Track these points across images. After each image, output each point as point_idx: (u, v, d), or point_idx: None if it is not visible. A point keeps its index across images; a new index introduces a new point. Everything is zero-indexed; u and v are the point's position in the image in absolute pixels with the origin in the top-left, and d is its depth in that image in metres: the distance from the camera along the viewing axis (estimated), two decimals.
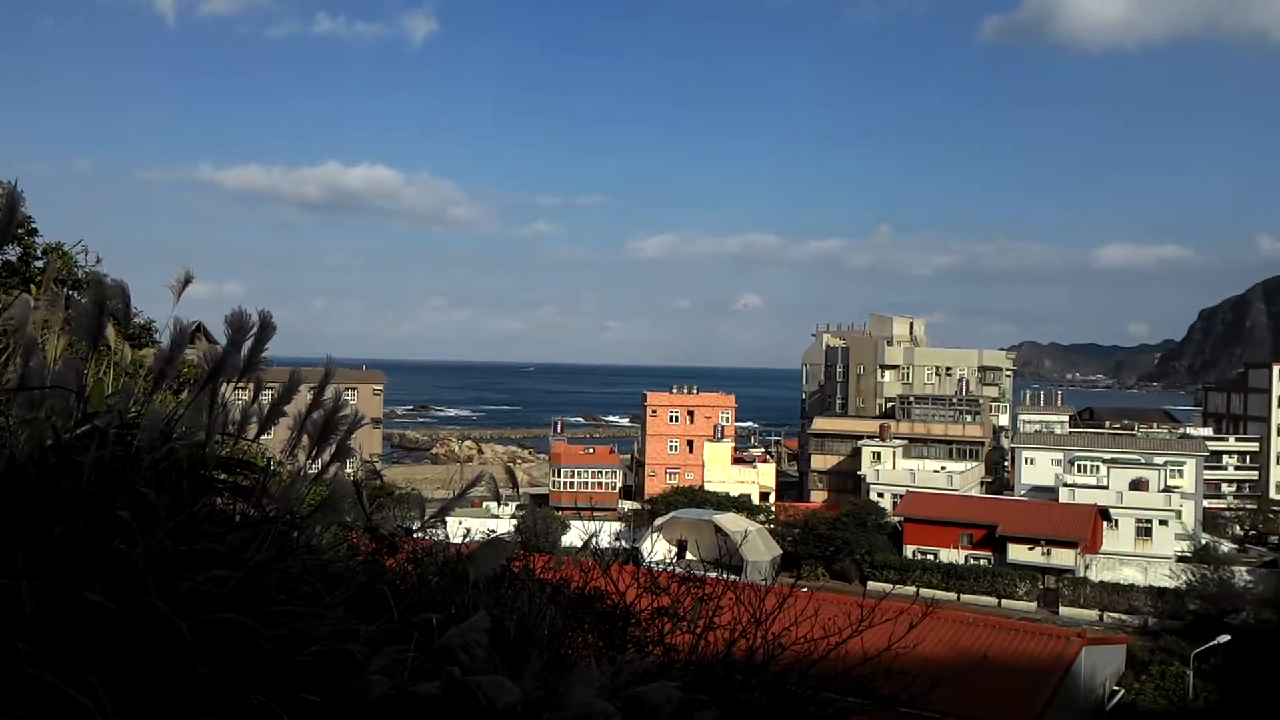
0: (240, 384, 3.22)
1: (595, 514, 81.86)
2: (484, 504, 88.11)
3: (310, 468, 3.28)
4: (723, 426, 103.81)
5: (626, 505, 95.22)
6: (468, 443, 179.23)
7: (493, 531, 5.32)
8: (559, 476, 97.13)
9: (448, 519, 4.28)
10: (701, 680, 4.71)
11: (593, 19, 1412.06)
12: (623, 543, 67.99)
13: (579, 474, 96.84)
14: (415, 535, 4.16)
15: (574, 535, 58.37)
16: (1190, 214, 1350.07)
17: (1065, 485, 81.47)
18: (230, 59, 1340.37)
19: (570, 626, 4.46)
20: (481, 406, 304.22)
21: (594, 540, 7.03)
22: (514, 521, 66.74)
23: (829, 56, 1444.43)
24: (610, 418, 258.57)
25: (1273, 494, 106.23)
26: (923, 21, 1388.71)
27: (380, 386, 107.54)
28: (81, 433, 2.75)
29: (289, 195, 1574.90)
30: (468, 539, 4.40)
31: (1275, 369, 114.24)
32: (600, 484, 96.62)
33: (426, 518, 3.98)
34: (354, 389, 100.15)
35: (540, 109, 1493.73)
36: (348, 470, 3.51)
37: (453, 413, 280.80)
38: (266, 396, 3.36)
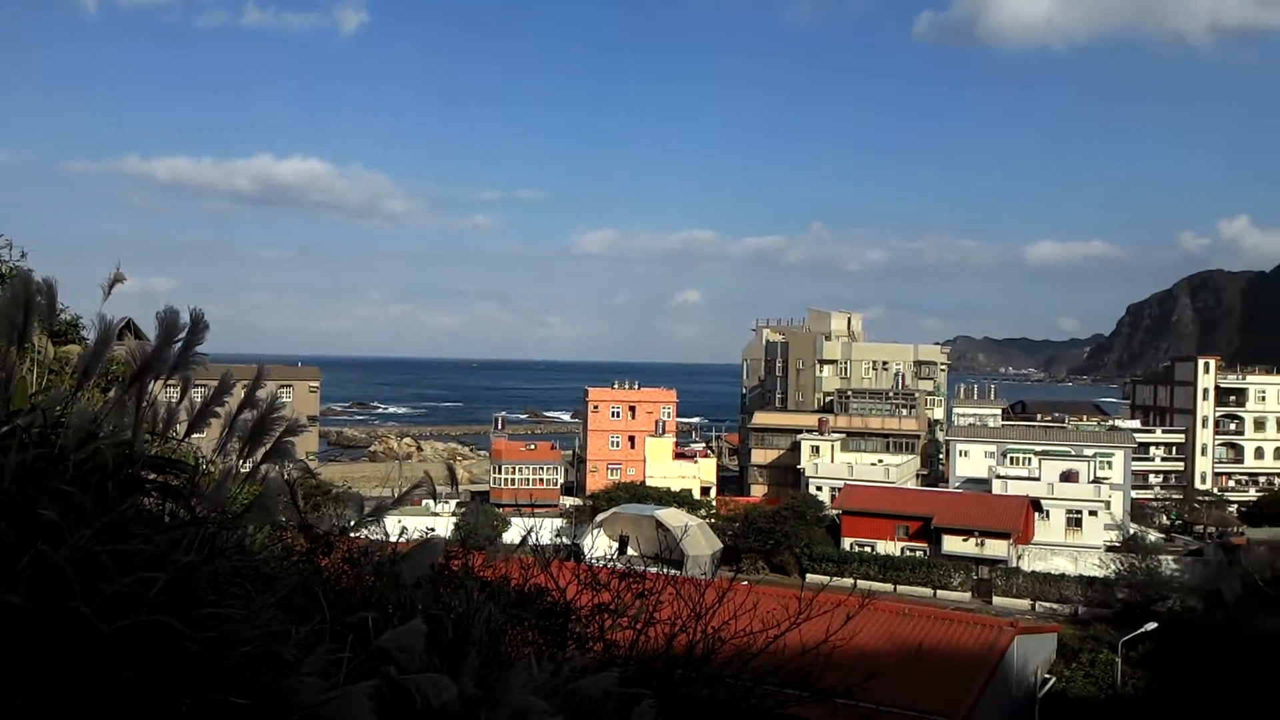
0: (170, 381, 3.16)
1: (536, 510, 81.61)
2: (423, 502, 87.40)
3: (243, 467, 3.22)
4: (664, 422, 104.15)
5: (568, 501, 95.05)
6: (407, 440, 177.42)
7: (431, 530, 5.27)
8: (500, 473, 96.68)
9: (385, 518, 4.23)
10: (641, 675, 4.73)
11: (526, 12, 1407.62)
12: (564, 539, 67.88)
13: (520, 470, 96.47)
14: (351, 535, 4.11)
15: (515, 532, 58.10)
16: (1117, 211, 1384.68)
17: (998, 477, 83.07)
18: (157, 49, 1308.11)
19: (510, 624, 4.44)
20: (421, 403, 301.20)
21: (534, 537, 7.01)
22: (454, 519, 66.24)
23: (766, 54, 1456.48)
24: (552, 414, 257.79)
25: (1198, 484, 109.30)
26: (858, 21, 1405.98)
27: (316, 383, 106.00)
28: (3, 433, 2.68)
29: (221, 188, 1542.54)
30: (405, 538, 4.35)
31: (1200, 363, 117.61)
32: (541, 480, 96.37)
33: (363, 517, 3.94)
34: (290, 386, 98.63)
35: (474, 102, 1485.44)
36: (281, 469, 3.46)
37: (391, 409, 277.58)
38: (199, 394, 3.30)
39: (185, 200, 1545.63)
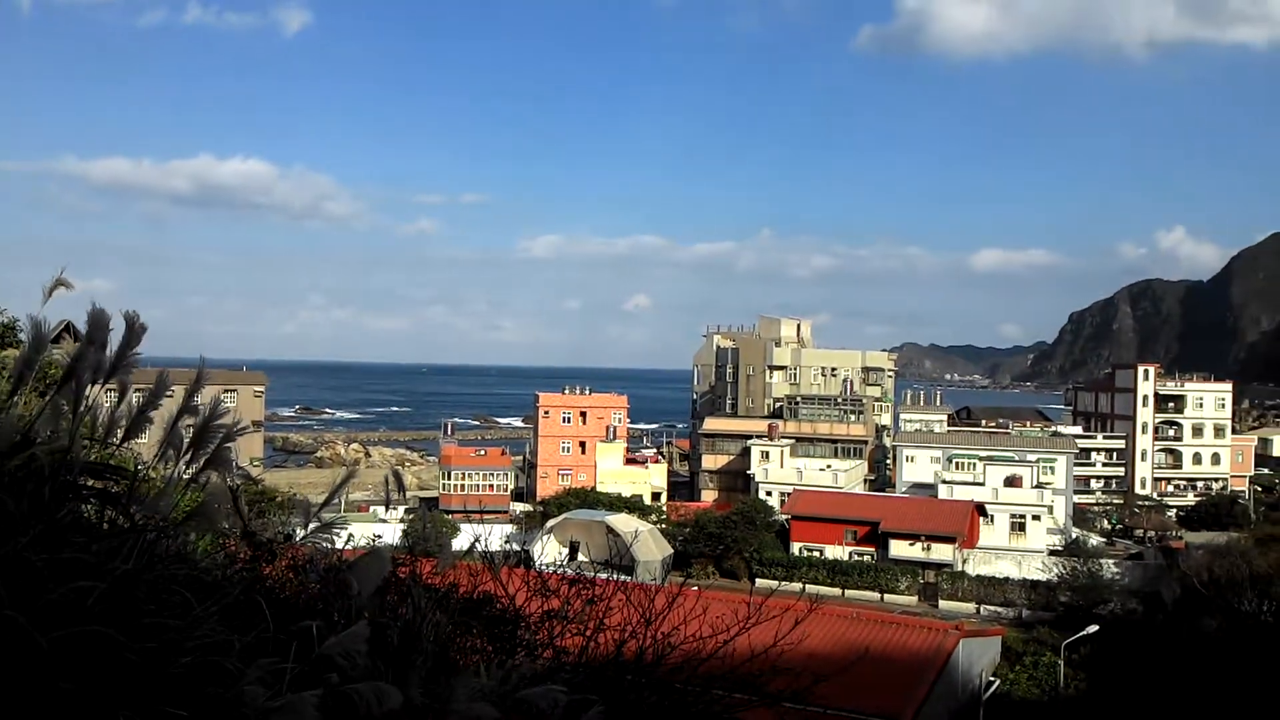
0: (109, 386, 3.09)
1: (486, 517, 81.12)
2: (371, 508, 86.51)
3: (185, 473, 3.17)
4: (615, 427, 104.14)
5: (518, 507, 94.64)
6: (354, 446, 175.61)
7: (379, 537, 5.22)
8: (449, 479, 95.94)
9: (339, 526, 4.18)
10: (591, 681, 4.72)
11: (470, 15, 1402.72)
12: (513, 545, 67.52)
13: (470, 476, 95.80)
14: (296, 542, 4.06)
15: (464, 539, 57.73)
16: (1058, 220, 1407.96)
17: (944, 482, 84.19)
18: (95, 47, 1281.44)
19: (458, 632, 4.41)
20: (369, 408, 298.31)
21: (483, 543, 6.97)
22: (402, 526, 65.64)
23: (712, 60, 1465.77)
24: (502, 419, 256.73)
25: (1138, 490, 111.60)
26: (802, 29, 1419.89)
27: (262, 388, 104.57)
28: None
29: (159, 189, 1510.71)
30: (351, 545, 4.31)
31: (1139, 370, 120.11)
32: (491, 486, 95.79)
33: (308, 524, 3.89)
34: (234, 390, 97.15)
35: (418, 105, 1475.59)
36: (224, 475, 3.40)
37: (339, 415, 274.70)
38: (138, 399, 3.23)
39: (123, 201, 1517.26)
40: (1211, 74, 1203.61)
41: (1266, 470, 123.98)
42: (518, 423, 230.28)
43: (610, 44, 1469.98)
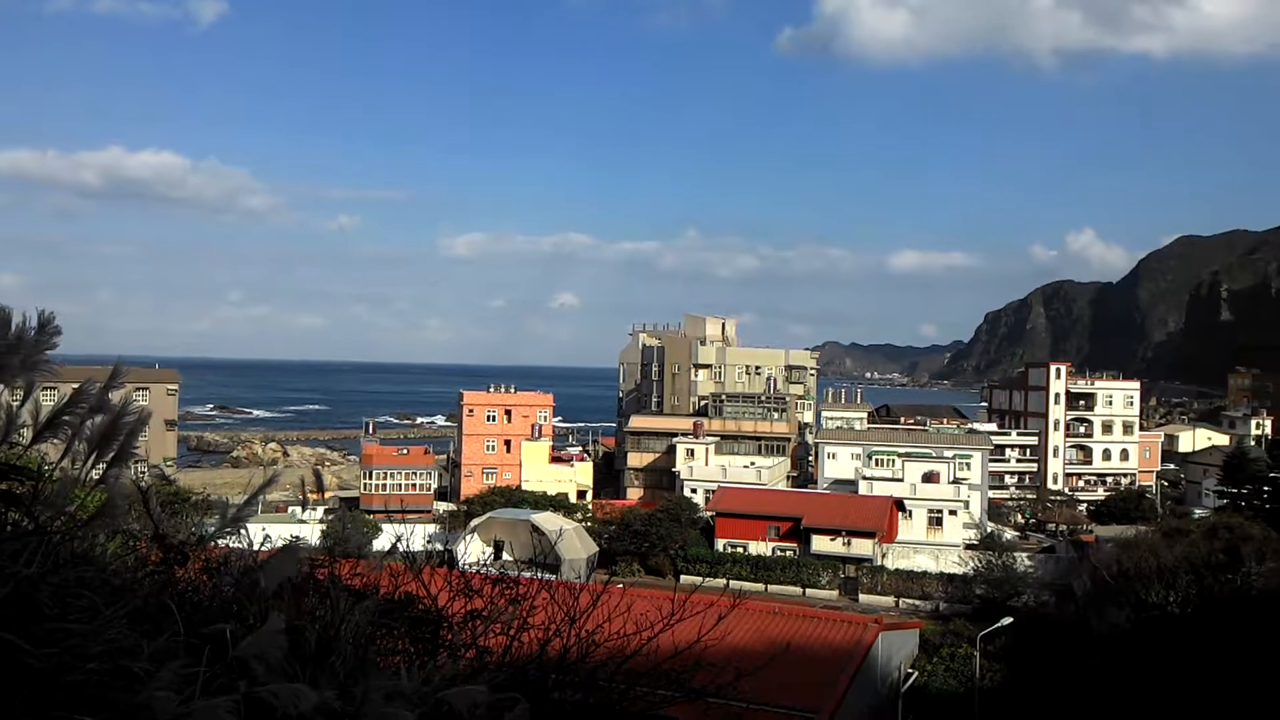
0: (12, 384, 2.97)
1: (408, 516, 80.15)
2: (289, 509, 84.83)
3: (92, 473, 3.06)
4: (540, 425, 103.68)
5: (442, 507, 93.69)
6: (272, 445, 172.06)
7: (296, 538, 5.12)
8: (370, 479, 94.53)
9: (248, 525, 4.08)
10: (514, 681, 4.69)
11: (390, 8, 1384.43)
12: (437, 545, 66.84)
13: (392, 476, 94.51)
14: (210, 543, 3.95)
15: (386, 539, 56.90)
16: (974, 223, 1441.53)
17: (864, 478, 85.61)
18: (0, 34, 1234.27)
19: (378, 633, 4.34)
20: (287, 407, 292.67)
21: (405, 543, 6.89)
22: (322, 527, 64.45)
23: (633, 59, 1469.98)
24: (425, 418, 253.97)
25: (1050, 485, 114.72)
26: (725, 29, 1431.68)
27: (175, 386, 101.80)
28: None
29: (66, 181, 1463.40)
30: (266, 546, 4.21)
31: (1052, 368, 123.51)
32: (414, 485, 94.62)
33: (222, 524, 3.79)
34: (146, 388, 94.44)
35: (337, 99, 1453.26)
36: (135, 475, 3.30)
37: (256, 414, 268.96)
38: (46, 398, 3.12)
39: (28, 194, 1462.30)
40: (1117, 81, 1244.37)
41: (1172, 466, 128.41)
42: (441, 421, 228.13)
43: (532, 41, 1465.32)
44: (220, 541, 3.95)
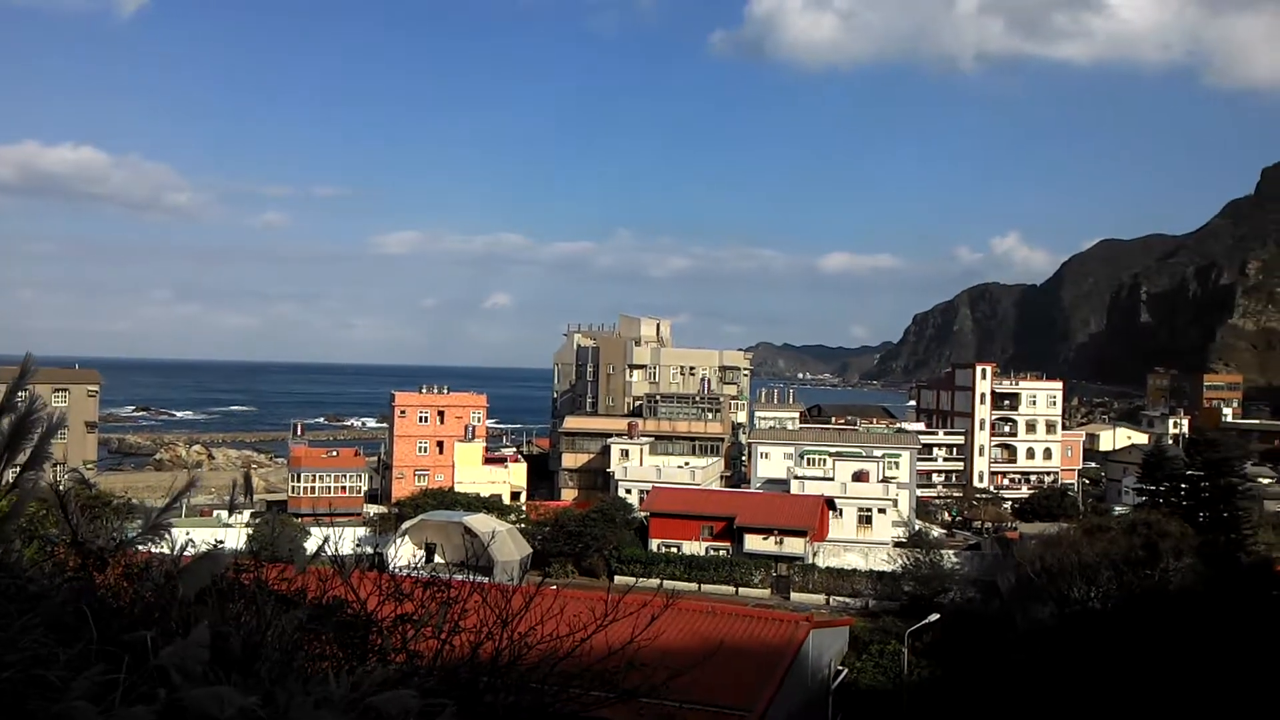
0: None
1: (338, 519, 78.97)
2: (215, 513, 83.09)
3: (5, 476, 2.97)
4: (474, 426, 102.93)
5: (372, 509, 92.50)
6: (197, 447, 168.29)
7: (220, 542, 5.02)
8: (298, 481, 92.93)
9: (172, 530, 3.99)
10: (445, 685, 4.66)
11: (318, 4, 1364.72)
12: (366, 548, 65.93)
13: (321, 478, 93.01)
14: (131, 549, 3.85)
15: (314, 542, 56.00)
16: (901, 226, 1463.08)
17: (796, 478, 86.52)
18: None
19: (306, 638, 4.27)
20: (213, 408, 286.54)
21: (334, 547, 6.79)
22: (248, 530, 63.17)
23: (568, 59, 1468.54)
24: (355, 419, 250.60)
25: (976, 483, 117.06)
26: (654, 31, 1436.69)
27: (95, 387, 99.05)
28: None
29: None
30: (189, 551, 4.12)
31: (978, 369, 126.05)
32: (344, 488, 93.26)
33: (144, 529, 3.70)
34: (65, 389, 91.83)
35: (264, 92, 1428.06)
36: (53, 478, 3.21)
37: (181, 415, 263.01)
38: None
39: None
40: (1039, 87, 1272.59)
41: (1094, 464, 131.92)
42: (372, 423, 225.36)
43: (463, 39, 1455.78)
44: (142, 547, 3.86)
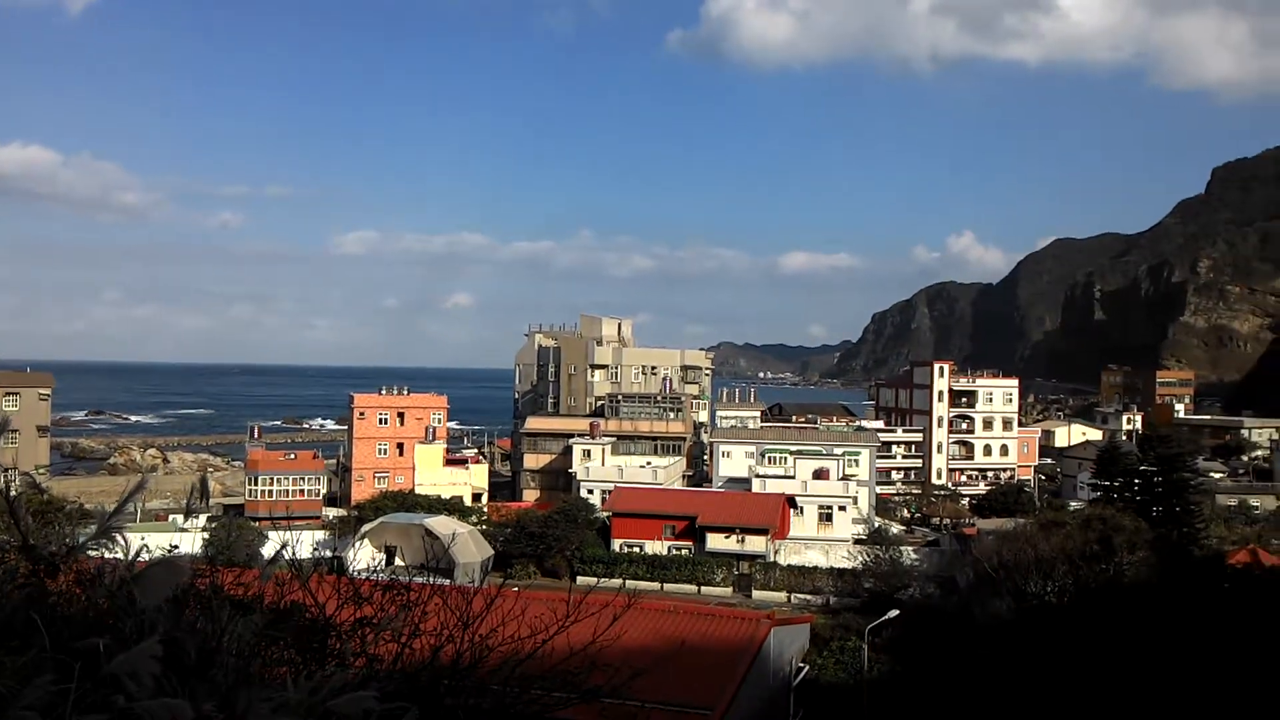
0: None
1: (296, 523, 78.21)
2: (170, 517, 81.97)
3: None
4: (434, 428, 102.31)
5: (331, 513, 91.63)
6: (151, 451, 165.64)
7: (175, 547, 4.95)
8: (256, 485, 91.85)
9: (125, 534, 3.93)
10: (405, 688, 4.63)
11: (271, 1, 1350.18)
12: (325, 552, 65.38)
13: (278, 481, 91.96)
14: (84, 554, 3.79)
15: (272, 547, 55.37)
16: (860, 225, 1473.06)
17: (758, 476, 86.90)
18: None
19: (263, 643, 4.22)
20: (169, 411, 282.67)
21: (291, 551, 6.73)
22: (205, 535, 62.41)
23: (526, 57, 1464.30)
24: (314, 421, 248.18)
25: (935, 480, 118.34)
26: (610, 30, 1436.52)
27: (48, 390, 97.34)
28: None
29: None
30: (144, 556, 4.06)
31: (935, 367, 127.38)
32: (302, 491, 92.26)
33: (95, 533, 3.64)
34: (16, 393, 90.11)
35: (215, 89, 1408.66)
36: (3, 482, 3.15)
37: (135, 419, 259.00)
38: None
39: None
40: (992, 87, 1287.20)
41: (1049, 460, 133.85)
42: (331, 425, 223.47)
43: (418, 37, 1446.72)
44: (95, 552, 3.79)
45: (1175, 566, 41.72)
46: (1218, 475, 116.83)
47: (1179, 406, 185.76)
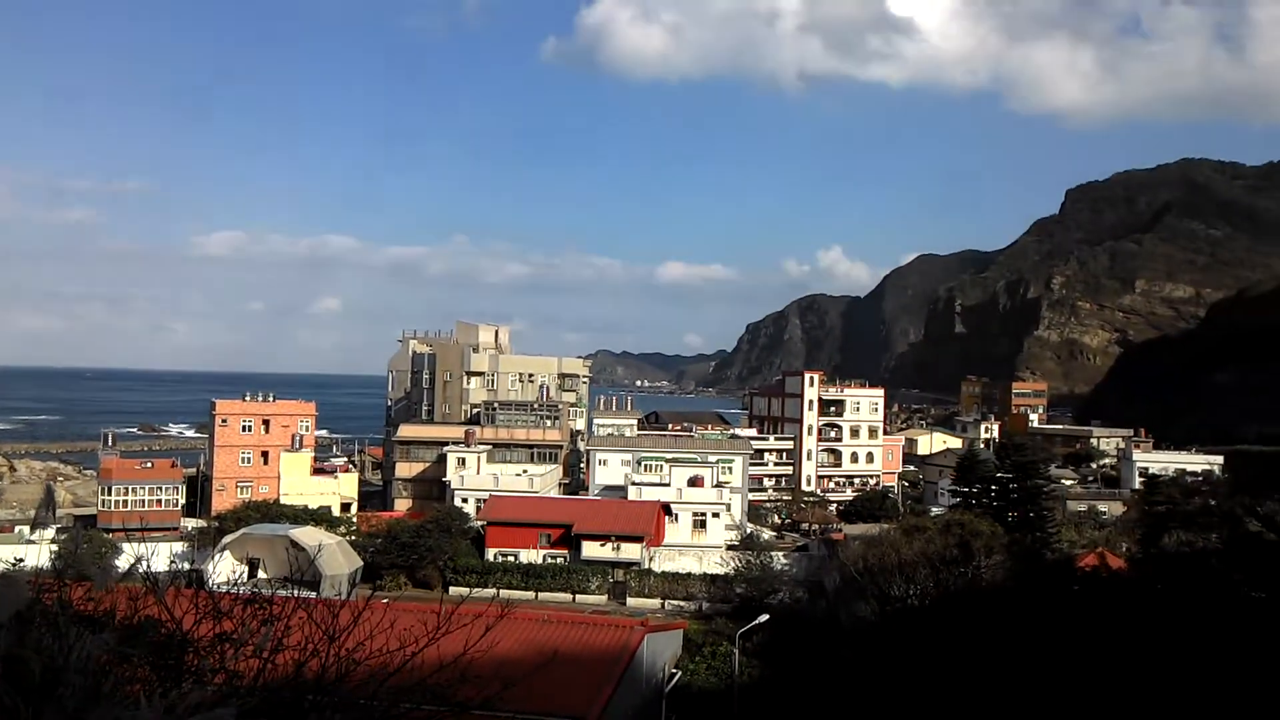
0: None
1: (152, 534, 74.80)
2: (16, 529, 77.52)
3: None
4: (301, 435, 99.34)
5: (191, 524, 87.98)
6: None
7: (20, 560, 4.70)
8: (109, 494, 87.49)
9: None
10: (267, 705, 4.51)
11: None
12: (183, 565, 62.76)
13: (134, 491, 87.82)
14: None
15: (126, 559, 52.86)
16: (732, 237, 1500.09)
17: (634, 484, 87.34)
18: None
19: (115, 661, 4.04)
20: (15, 416, 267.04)
21: (147, 564, 6.48)
22: (53, 547, 59.17)
23: (391, 59, 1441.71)
24: (172, 428, 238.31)
25: (805, 486, 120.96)
26: (481, 35, 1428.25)
27: None
28: None
29: None
30: None
31: (806, 377, 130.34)
32: (159, 501, 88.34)
33: None
34: None
35: (64, 81, 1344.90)
36: None
37: None
38: None
39: None
40: (857, 107, 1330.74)
41: (913, 467, 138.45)
42: (190, 432, 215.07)
43: (281, 32, 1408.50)
44: None
45: (1029, 570, 43.71)
46: (1069, 482, 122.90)
47: (1033, 416, 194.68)
